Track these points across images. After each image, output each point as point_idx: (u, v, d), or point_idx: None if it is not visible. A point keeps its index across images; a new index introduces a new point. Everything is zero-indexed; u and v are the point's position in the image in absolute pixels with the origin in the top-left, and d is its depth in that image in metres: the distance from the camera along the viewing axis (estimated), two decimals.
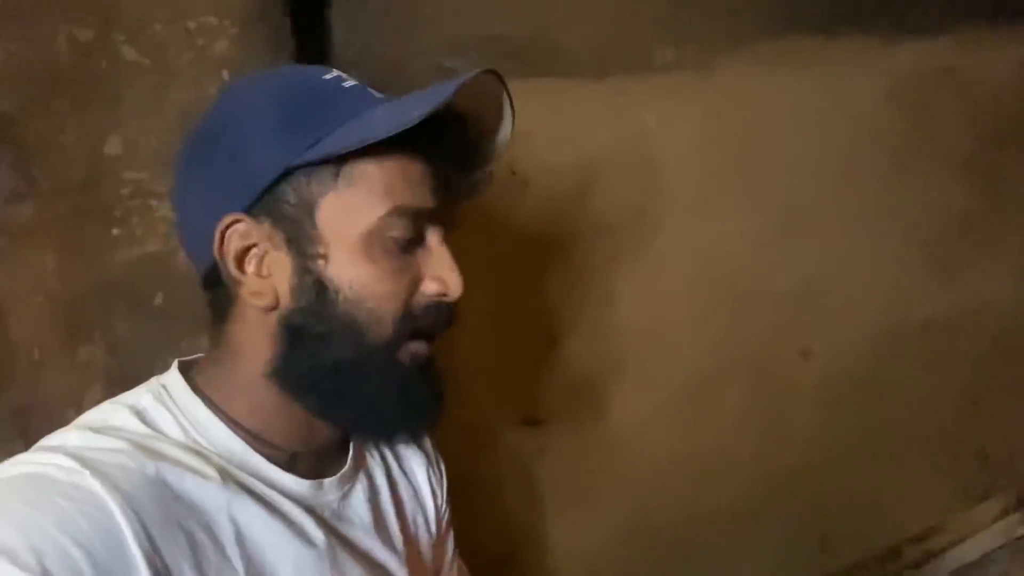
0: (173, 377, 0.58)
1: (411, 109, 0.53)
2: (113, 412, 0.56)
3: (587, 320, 1.06)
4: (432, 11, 0.90)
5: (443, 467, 0.75)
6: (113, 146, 0.77)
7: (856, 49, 1.16)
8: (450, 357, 0.94)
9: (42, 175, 0.74)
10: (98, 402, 0.59)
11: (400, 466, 0.70)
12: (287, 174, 0.55)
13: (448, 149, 0.58)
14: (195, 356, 0.62)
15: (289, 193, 0.55)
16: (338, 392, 0.56)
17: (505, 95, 0.59)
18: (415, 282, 0.57)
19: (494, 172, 0.65)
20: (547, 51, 1.00)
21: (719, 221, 1.11)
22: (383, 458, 0.68)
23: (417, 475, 0.71)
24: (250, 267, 0.56)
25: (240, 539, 0.53)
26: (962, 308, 1.27)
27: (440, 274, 0.57)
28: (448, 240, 0.59)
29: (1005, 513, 1.21)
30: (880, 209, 1.21)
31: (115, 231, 0.78)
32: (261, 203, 0.55)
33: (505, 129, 0.62)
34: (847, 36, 1.15)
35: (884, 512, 1.24)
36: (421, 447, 0.72)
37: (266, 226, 0.55)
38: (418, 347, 0.57)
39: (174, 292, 0.80)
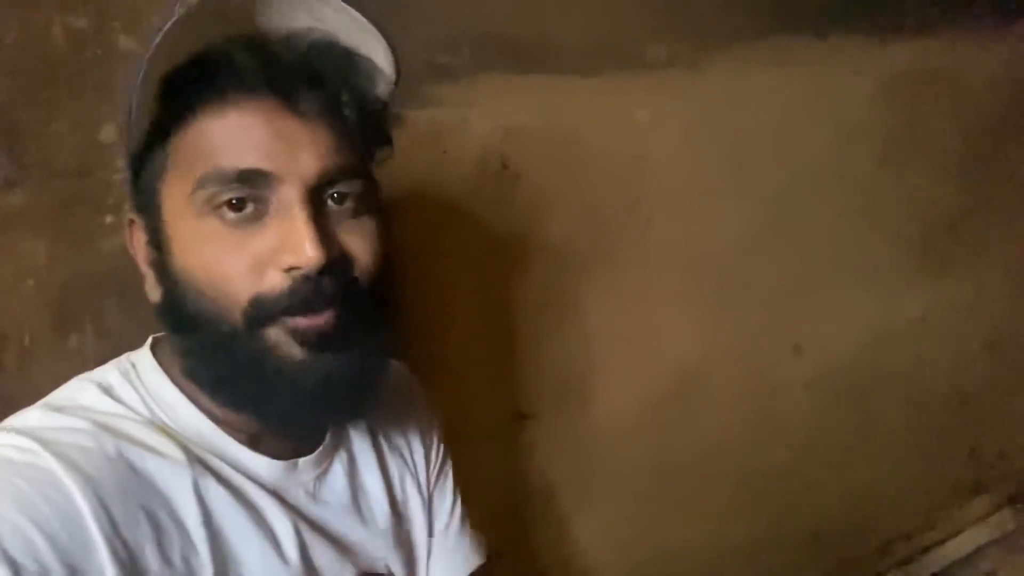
0: (143, 355, 0.57)
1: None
2: (80, 389, 0.55)
3: (578, 315, 1.06)
4: (424, 7, 0.91)
5: (436, 425, 0.72)
6: (107, 134, 0.77)
7: (845, 49, 1.17)
8: (441, 352, 0.95)
9: (35, 162, 0.74)
10: None
11: (388, 433, 0.67)
12: (142, 165, 0.53)
13: (300, 93, 0.50)
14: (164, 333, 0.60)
15: (144, 184, 0.54)
16: (223, 385, 0.53)
17: (352, 13, 0.52)
18: (263, 258, 0.49)
19: (396, 115, 0.57)
20: (539, 47, 1.01)
21: (710, 217, 1.12)
22: (370, 427, 0.65)
23: (409, 437, 0.68)
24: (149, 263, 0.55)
25: (207, 521, 0.52)
26: (951, 305, 1.28)
27: (288, 242, 0.49)
28: (323, 196, 0.50)
29: (995, 509, 1.22)
30: (870, 207, 1.22)
31: (108, 219, 0.78)
32: (138, 200, 0.55)
33: (380, 54, 0.53)
34: (836, 36, 1.16)
35: (875, 508, 1.24)
36: (412, 405, 0.70)
37: (142, 222, 0.55)
38: (292, 321, 0.50)
39: None
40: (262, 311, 0.50)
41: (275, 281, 0.50)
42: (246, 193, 0.49)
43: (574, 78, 1.02)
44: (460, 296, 0.97)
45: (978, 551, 1.17)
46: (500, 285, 1.02)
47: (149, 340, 0.59)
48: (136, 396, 0.54)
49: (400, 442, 0.68)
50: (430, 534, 0.70)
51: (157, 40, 0.47)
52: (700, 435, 1.14)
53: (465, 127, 0.92)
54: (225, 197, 0.49)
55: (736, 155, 1.12)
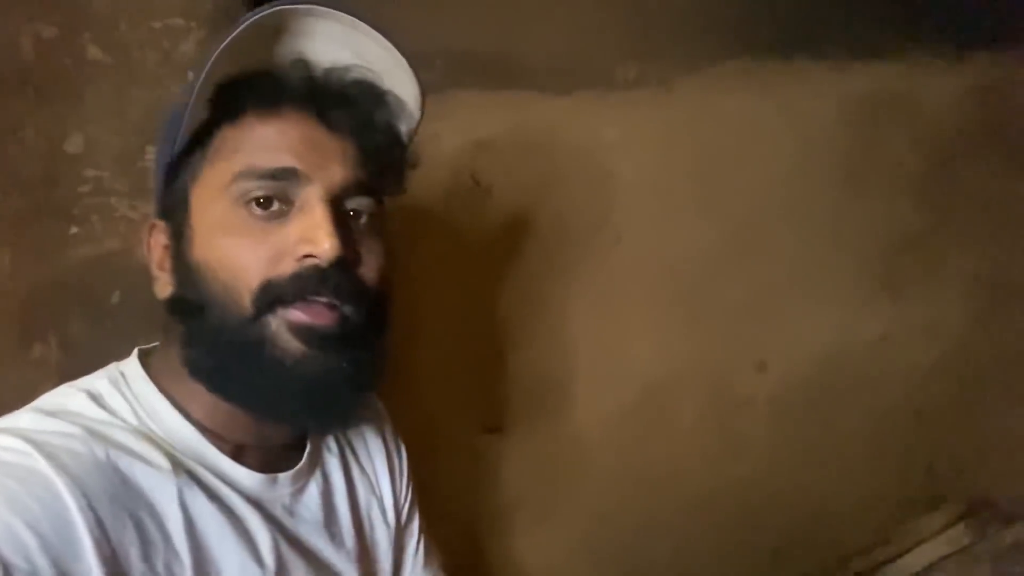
0: (131, 365, 0.59)
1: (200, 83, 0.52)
2: (69, 396, 0.56)
3: (546, 329, 1.07)
4: (397, 22, 0.92)
5: (404, 455, 0.74)
6: (74, 144, 0.77)
7: (809, 72, 1.20)
8: (410, 365, 0.95)
9: (0, 171, 0.74)
10: None
11: (358, 459, 0.69)
12: (174, 172, 0.57)
13: (335, 113, 0.55)
14: (154, 344, 0.62)
15: (176, 188, 0.57)
16: (223, 374, 0.55)
17: (395, 54, 0.57)
18: (281, 249, 0.53)
19: (415, 152, 0.62)
20: (511, 66, 1.02)
21: (676, 235, 1.14)
22: (341, 452, 0.67)
23: (376, 465, 0.70)
24: (166, 265, 0.58)
25: (190, 529, 0.53)
26: (910, 324, 1.31)
27: (307, 234, 0.53)
28: (341, 207, 0.55)
29: (951, 524, 1.24)
30: (832, 226, 1.24)
31: (73, 229, 0.78)
32: (166, 205, 0.58)
33: (409, 94, 0.59)
34: (801, 59, 1.19)
35: (834, 523, 1.26)
36: (380, 436, 0.72)
37: (166, 224, 0.58)
38: (292, 315, 0.53)
39: (132, 291, 0.80)
40: (269, 295, 0.53)
41: (287, 267, 0.53)
42: (275, 190, 0.54)
43: (545, 96, 1.03)
44: (428, 310, 0.97)
45: (934, 565, 1.19)
46: (469, 299, 1.02)
47: (135, 351, 0.60)
48: (125, 404, 0.56)
49: (368, 469, 0.70)
50: (399, 562, 0.71)
51: (222, 47, 0.51)
52: (665, 450, 1.15)
53: (436, 142, 0.93)
54: (257, 193, 0.53)
55: (702, 174, 1.15)
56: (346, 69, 0.57)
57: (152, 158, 0.79)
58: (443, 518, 0.98)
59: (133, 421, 0.55)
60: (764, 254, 1.19)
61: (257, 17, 0.52)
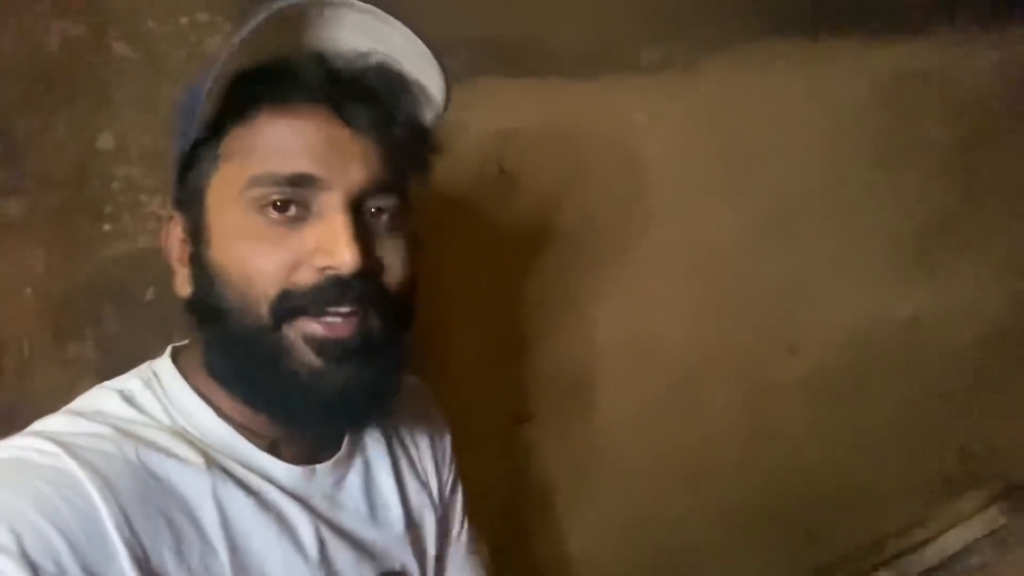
0: (164, 363, 0.58)
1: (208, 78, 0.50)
2: (102, 397, 0.56)
3: (575, 317, 1.07)
4: (419, 11, 0.91)
5: (447, 438, 0.74)
6: (104, 141, 0.77)
7: (838, 51, 1.18)
8: (440, 354, 0.95)
9: (32, 170, 0.74)
10: None
11: (401, 441, 0.69)
12: (189, 163, 0.55)
13: (355, 108, 0.52)
14: (185, 342, 0.62)
15: (191, 182, 0.56)
16: (242, 380, 0.54)
17: (415, 41, 0.54)
18: (299, 257, 0.52)
19: (440, 140, 0.59)
20: (535, 52, 1.01)
21: (706, 219, 1.12)
22: (386, 436, 0.67)
23: (420, 448, 0.70)
24: (183, 261, 0.57)
25: (225, 525, 0.53)
26: (943, 305, 1.29)
27: (326, 244, 0.51)
28: (362, 208, 0.53)
29: (986, 505, 1.24)
30: (863, 207, 1.23)
31: (106, 227, 0.78)
32: (181, 198, 0.57)
33: (434, 83, 0.56)
34: (829, 38, 1.17)
35: (869, 506, 1.25)
36: (425, 418, 0.71)
37: (183, 219, 0.57)
38: (309, 327, 0.51)
39: (166, 287, 0.78)
40: (288, 304, 0.51)
41: (306, 277, 0.51)
42: (293, 195, 0.52)
43: (570, 81, 1.02)
44: (459, 299, 0.97)
45: (969, 547, 1.19)
46: (499, 288, 1.02)
47: (168, 349, 0.60)
48: (157, 404, 0.55)
49: (414, 453, 0.70)
50: (443, 545, 0.71)
51: (235, 42, 0.49)
52: (697, 435, 1.14)
53: (462, 131, 0.92)
54: (273, 198, 0.51)
55: (731, 156, 1.13)
56: (366, 57, 0.54)
57: None
58: (473, 507, 0.98)
59: (165, 420, 0.55)
60: (795, 236, 1.18)
61: (274, 9, 0.49)
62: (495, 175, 0.99)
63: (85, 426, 0.52)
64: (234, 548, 0.52)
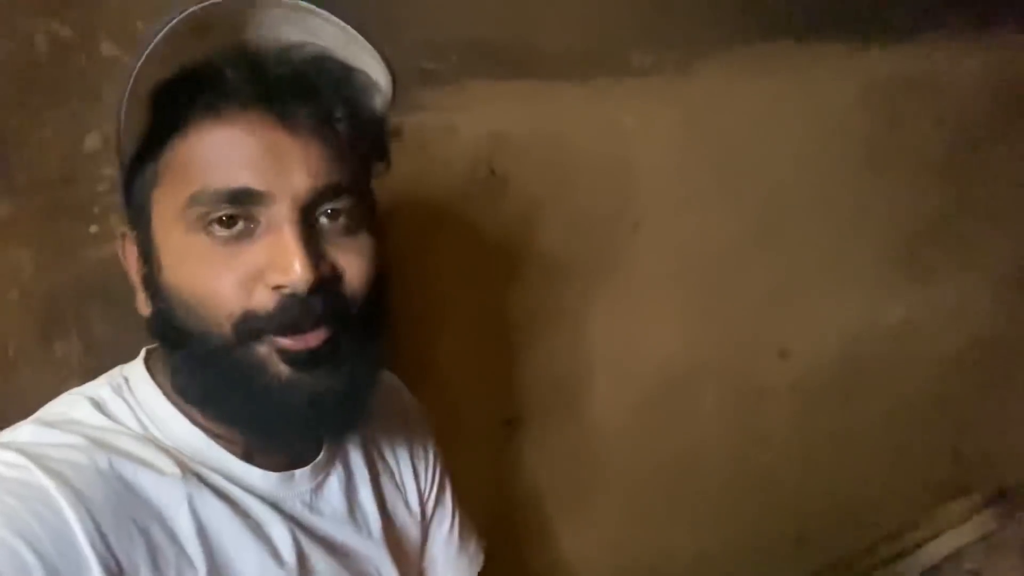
0: (136, 369, 0.57)
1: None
2: (72, 404, 0.54)
3: (565, 320, 1.07)
4: (410, 12, 0.91)
5: (430, 445, 0.73)
6: (92, 142, 0.77)
7: (829, 55, 1.18)
8: (429, 357, 0.95)
9: (19, 171, 0.74)
10: None
11: (379, 445, 0.68)
12: (132, 179, 0.53)
13: (293, 107, 0.49)
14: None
15: (135, 197, 0.53)
16: (212, 400, 0.52)
17: (346, 29, 0.50)
18: (252, 275, 0.49)
19: (393, 131, 0.56)
20: (526, 54, 1.01)
21: (696, 223, 1.12)
22: (363, 438, 0.66)
23: (399, 451, 0.69)
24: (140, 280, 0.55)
25: (202, 534, 0.51)
26: (934, 309, 1.29)
27: (278, 261, 0.48)
28: (315, 214, 0.50)
29: (977, 509, 1.24)
30: (854, 211, 1.23)
31: (93, 228, 0.78)
32: (130, 216, 0.55)
33: (376, 70, 0.53)
34: (820, 43, 1.18)
35: (859, 509, 1.25)
36: (404, 424, 0.71)
37: (133, 236, 0.55)
38: (279, 341, 0.49)
39: None
40: (251, 327, 0.49)
41: (264, 298, 0.49)
42: (237, 211, 0.49)
43: (561, 84, 1.02)
44: (448, 302, 0.97)
45: (961, 551, 1.18)
46: (488, 291, 1.02)
47: (142, 352, 0.58)
48: (128, 411, 0.54)
49: (391, 458, 0.69)
50: (423, 550, 0.71)
51: (146, 51, 0.46)
52: (686, 439, 1.14)
53: (452, 133, 0.93)
54: (215, 215, 0.49)
55: (722, 160, 1.13)
56: (300, 50, 0.50)
57: None
58: (463, 511, 0.98)
59: (137, 428, 0.53)
60: (785, 240, 1.18)
61: (185, 14, 0.45)
62: (485, 178, 0.99)
63: (54, 436, 0.50)
64: (211, 558, 0.51)
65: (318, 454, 0.60)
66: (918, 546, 1.21)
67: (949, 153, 1.27)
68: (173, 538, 0.50)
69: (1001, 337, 1.33)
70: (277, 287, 0.49)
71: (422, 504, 0.70)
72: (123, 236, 0.56)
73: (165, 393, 0.55)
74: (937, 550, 1.19)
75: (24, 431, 0.51)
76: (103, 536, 0.47)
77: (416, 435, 0.72)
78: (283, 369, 0.50)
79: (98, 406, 0.54)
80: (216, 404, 0.52)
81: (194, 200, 0.48)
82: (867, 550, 1.24)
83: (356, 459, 0.65)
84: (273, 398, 0.50)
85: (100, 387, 0.56)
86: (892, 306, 1.27)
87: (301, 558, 0.56)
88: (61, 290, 0.77)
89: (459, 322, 0.99)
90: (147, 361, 0.57)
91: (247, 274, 0.49)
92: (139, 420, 0.54)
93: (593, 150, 1.05)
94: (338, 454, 0.63)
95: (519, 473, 1.06)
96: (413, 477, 0.70)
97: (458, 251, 0.98)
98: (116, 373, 0.57)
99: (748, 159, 1.14)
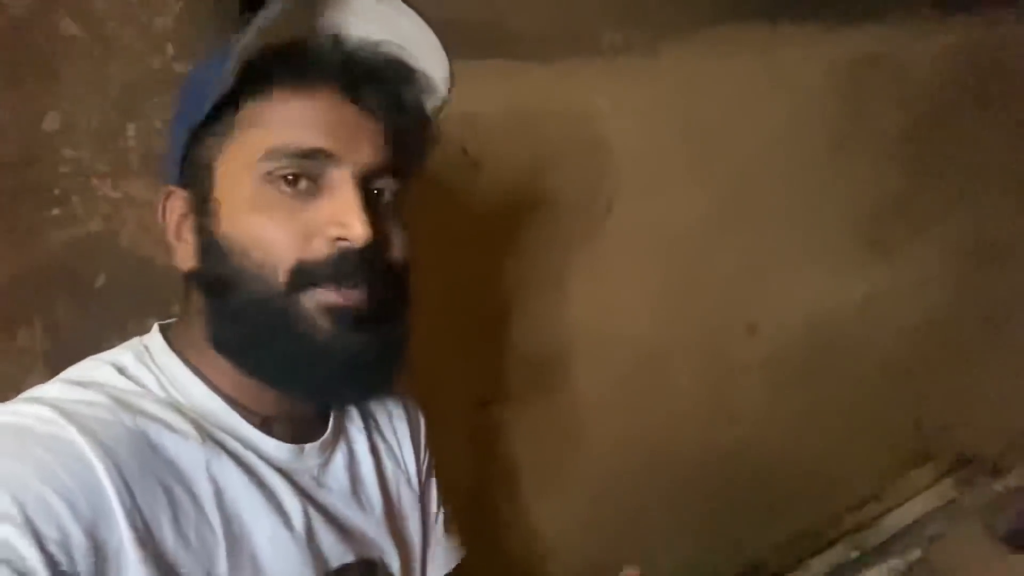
0: (154, 338, 0.59)
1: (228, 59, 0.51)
2: (95, 368, 0.56)
3: (539, 301, 1.07)
4: None
5: (422, 424, 0.75)
6: (51, 122, 0.74)
7: (796, 36, 1.20)
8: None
9: None
10: None
11: (380, 429, 0.69)
12: (196, 138, 0.55)
13: (366, 91, 0.54)
14: (172, 320, 0.62)
15: (198, 156, 0.56)
16: (247, 347, 0.55)
17: (436, 42, 0.57)
18: (311, 229, 0.53)
19: (438, 126, 0.62)
20: (497, 34, 1.00)
21: (668, 202, 1.13)
22: (365, 422, 0.67)
23: (399, 437, 0.71)
24: (184, 235, 0.57)
25: (219, 498, 0.53)
26: (896, 286, 1.32)
27: (339, 216, 0.53)
28: (381, 190, 0.56)
29: (939, 478, 1.28)
30: (820, 190, 1.25)
31: (54, 211, 0.76)
32: (185, 173, 0.57)
33: (439, 73, 0.59)
34: (787, 23, 1.19)
35: (826, 481, 1.29)
36: (402, 406, 0.72)
37: (187, 194, 0.57)
38: (325, 296, 0.53)
39: (117, 273, 0.78)
40: (305, 275, 0.53)
41: (321, 249, 0.53)
42: (304, 169, 0.53)
43: (532, 64, 1.02)
44: (421, 283, 0.96)
45: (923, 518, 1.23)
46: (461, 272, 1.01)
47: (155, 326, 0.60)
48: (151, 376, 0.56)
49: (392, 439, 0.70)
50: (424, 531, 0.72)
51: (258, 25, 0.50)
52: (661, 416, 1.16)
53: None
54: (287, 171, 0.53)
55: (691, 140, 1.14)
56: (376, 45, 0.56)
57: (134, 136, 0.78)
58: (442, 491, 0.98)
59: (159, 392, 0.55)
60: (753, 218, 1.20)
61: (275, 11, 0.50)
62: (457, 158, 0.98)
63: (83, 394, 0.52)
64: (227, 520, 0.53)
65: (324, 432, 0.62)
66: (882, 514, 1.25)
67: (912, 132, 1.30)
68: (194, 499, 0.52)
69: (960, 311, 1.37)
70: (337, 239, 0.53)
71: (419, 481, 0.72)
72: (167, 194, 0.58)
73: (185, 361, 0.57)
74: (902, 518, 1.23)
75: (52, 388, 0.53)
76: (130, 491, 0.48)
77: (413, 419, 0.73)
78: (327, 326, 0.53)
79: (121, 370, 0.55)
80: (256, 354, 0.55)
81: (271, 154, 0.53)
82: (834, 519, 1.28)
83: (358, 440, 0.66)
84: (314, 351, 0.53)
85: (122, 353, 0.57)
86: (856, 282, 1.30)
87: (309, 529, 0.58)
88: (23, 276, 0.75)
89: (433, 304, 0.98)
90: (163, 333, 0.59)
91: (307, 227, 0.53)
92: (161, 384, 0.55)
93: (565, 131, 1.05)
94: (342, 433, 0.64)
95: (495, 453, 1.07)
96: (413, 457, 0.71)
97: (429, 232, 0.96)
98: (135, 342, 0.59)
99: (717, 139, 1.15)
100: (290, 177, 0.53)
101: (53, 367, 0.75)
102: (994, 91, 1.34)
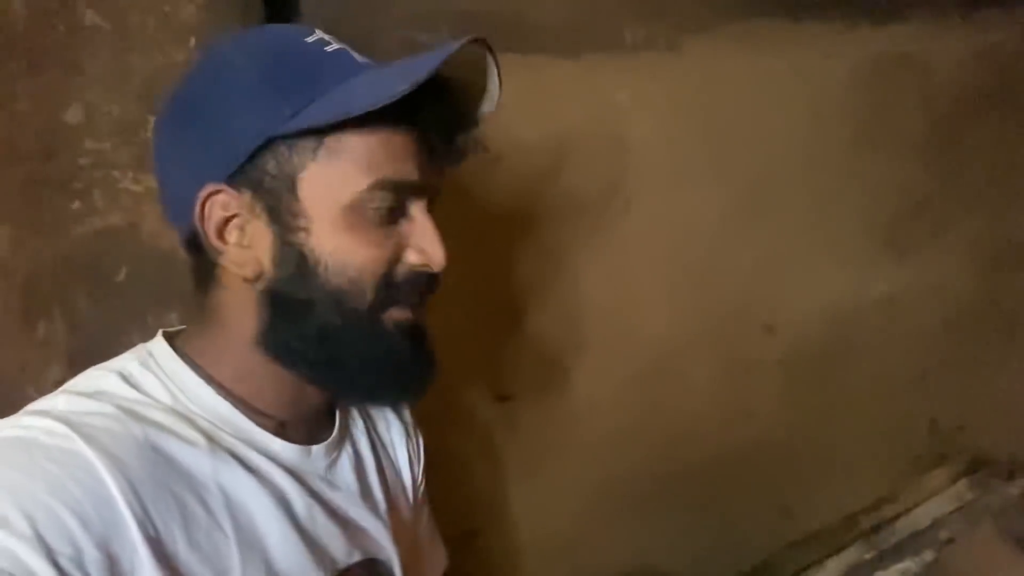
0: (159, 344, 0.58)
1: (394, 83, 0.51)
2: (101, 378, 0.55)
3: (557, 296, 1.07)
4: None
5: (421, 439, 0.75)
6: (73, 114, 0.74)
7: (819, 33, 1.18)
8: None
9: None
10: (58, 381, 0.59)
11: (381, 437, 0.71)
12: (268, 144, 0.54)
13: (433, 119, 0.57)
14: (179, 328, 0.62)
15: (270, 164, 0.54)
16: (327, 358, 0.57)
17: (491, 60, 0.59)
18: (397, 251, 0.57)
19: (481, 140, 0.64)
20: (518, 27, 0.99)
21: (686, 198, 1.12)
22: (367, 428, 0.68)
23: (396, 446, 0.72)
24: (231, 237, 0.56)
25: (229, 505, 0.53)
26: (915, 286, 1.31)
27: (423, 246, 0.57)
28: (433, 210, 0.59)
29: (954, 480, 1.27)
30: (841, 189, 1.24)
31: (75, 203, 0.75)
32: (242, 173, 0.55)
33: (492, 94, 0.61)
34: (811, 21, 1.17)
35: (841, 481, 1.28)
36: (400, 418, 0.73)
37: (247, 197, 0.55)
38: (400, 313, 0.57)
39: (138, 267, 0.78)
40: (389, 295, 0.56)
41: (402, 272, 0.57)
42: (398, 201, 0.56)
43: (553, 58, 1.01)
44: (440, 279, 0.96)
45: (939, 521, 1.22)
46: (479, 267, 1.01)
47: (160, 332, 0.60)
48: (157, 383, 0.56)
49: (389, 445, 0.72)
50: (416, 537, 0.73)
51: (440, 56, 0.52)
52: (676, 414, 1.16)
53: None
54: (386, 205, 0.56)
55: (712, 137, 1.13)
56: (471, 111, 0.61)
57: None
58: (455, 485, 0.98)
59: (166, 400, 0.55)
60: (772, 217, 1.19)
61: (465, 40, 0.54)
62: (477, 154, 0.97)
63: (91, 405, 0.52)
64: (239, 525, 0.53)
65: (330, 433, 0.62)
66: (897, 516, 1.24)
67: (934, 132, 1.29)
68: (205, 506, 0.52)
69: (979, 313, 1.36)
70: (418, 264, 0.57)
71: (415, 491, 0.73)
72: (211, 195, 0.55)
73: (192, 366, 0.57)
74: (917, 520, 1.23)
75: (58, 400, 0.53)
76: (141, 502, 0.48)
77: (411, 429, 0.74)
78: (405, 342, 0.58)
79: (126, 379, 0.55)
80: (335, 364, 0.57)
81: (376, 186, 0.55)
82: (849, 520, 1.27)
83: (363, 444, 0.67)
84: (391, 365, 0.58)
85: (127, 361, 0.57)
86: (875, 282, 1.29)
87: (319, 529, 0.58)
88: (43, 268, 0.75)
89: (450, 299, 0.98)
90: (168, 339, 0.59)
91: (393, 251, 0.57)
92: (169, 391, 0.55)
93: (585, 126, 1.04)
94: (347, 436, 0.65)
95: (512, 448, 1.07)
96: (408, 464, 0.72)
97: (448, 228, 0.96)
98: (140, 349, 0.59)
99: (739, 136, 1.14)
100: (387, 209, 0.56)
101: (73, 359, 0.76)
102: (1018, 92, 1.32)
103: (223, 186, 0.55)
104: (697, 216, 1.14)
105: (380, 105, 0.51)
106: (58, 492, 0.45)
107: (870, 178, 1.25)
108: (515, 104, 0.98)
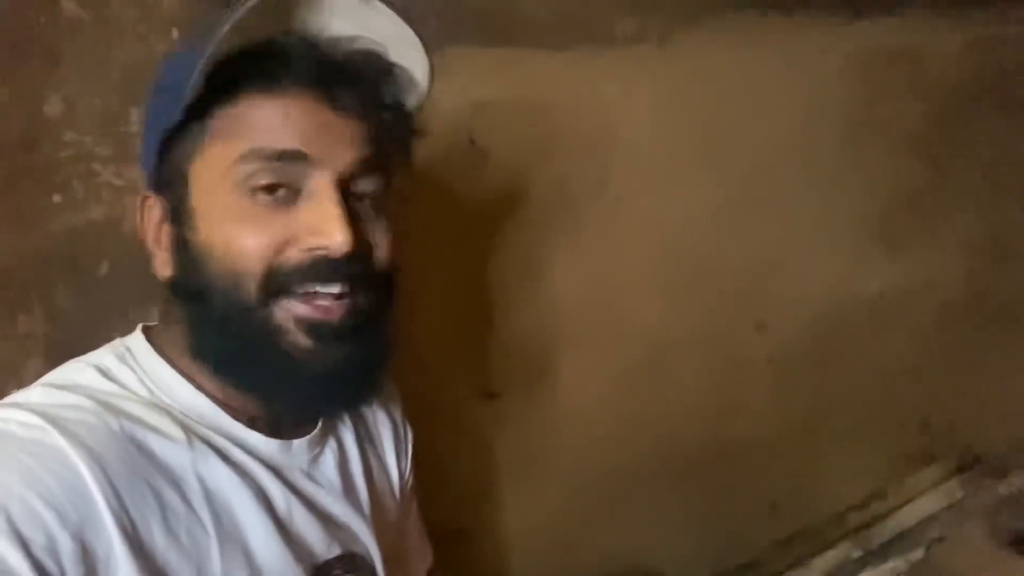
0: (137, 339, 0.58)
1: (218, 35, 0.49)
2: (77, 371, 0.55)
3: (545, 292, 1.06)
4: None
5: (409, 434, 0.75)
6: (52, 107, 0.73)
7: (811, 27, 1.18)
8: (408, 330, 0.94)
9: None
10: (38, 375, 0.58)
11: (368, 432, 0.70)
12: (170, 143, 0.54)
13: (309, 77, 0.52)
14: (155, 324, 0.61)
15: (171, 162, 0.55)
16: (227, 359, 0.54)
17: (402, 26, 0.56)
18: (288, 237, 0.52)
19: (421, 123, 0.60)
20: (507, 20, 0.98)
21: (677, 194, 1.12)
22: (354, 424, 0.68)
23: (384, 441, 0.71)
24: (162, 242, 0.56)
25: (208, 497, 0.53)
26: (908, 282, 1.31)
27: (318, 225, 0.51)
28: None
29: (944, 478, 1.27)
30: (833, 184, 1.23)
31: (56, 197, 0.75)
32: (160, 178, 0.56)
33: (419, 68, 0.58)
34: (803, 14, 1.17)
35: (831, 478, 1.28)
36: (389, 413, 0.73)
37: (162, 199, 0.56)
38: (295, 306, 0.52)
39: (121, 261, 0.77)
40: (275, 282, 0.52)
41: (294, 258, 0.52)
42: (282, 175, 0.51)
43: (543, 52, 1.00)
44: (428, 274, 0.95)
45: (929, 519, 1.22)
46: (468, 263, 1.00)
47: (139, 327, 0.60)
48: (134, 377, 0.55)
49: (378, 441, 0.71)
50: (402, 533, 0.73)
51: (229, 25, 0.48)
52: (665, 411, 1.15)
53: (432, 101, 0.89)
54: (263, 180, 0.51)
55: (703, 131, 1.12)
56: (351, 41, 0.55)
57: (137, 121, 0.76)
58: (443, 483, 0.98)
59: (144, 393, 0.54)
60: (764, 212, 1.18)
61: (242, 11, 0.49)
62: (465, 147, 0.97)
63: (67, 398, 0.51)
64: (218, 518, 0.53)
65: (313, 428, 0.61)
66: (887, 513, 1.24)
67: (927, 127, 1.28)
68: (183, 499, 0.52)
69: (971, 309, 1.36)
70: (313, 248, 0.51)
71: (401, 491, 0.72)
72: (143, 200, 0.57)
73: (168, 361, 0.56)
74: (907, 517, 1.23)
75: (34, 393, 0.53)
76: (118, 495, 0.48)
77: (399, 424, 0.74)
78: (304, 340, 0.52)
79: (103, 373, 0.55)
80: (233, 366, 0.54)
81: (244, 158, 0.51)
82: (837, 518, 1.27)
83: (348, 438, 0.66)
84: (292, 365, 0.53)
85: (104, 355, 0.57)
86: (868, 278, 1.28)
87: (298, 523, 0.58)
88: (23, 262, 0.74)
89: (438, 295, 0.98)
90: (146, 335, 0.58)
91: (282, 236, 0.52)
92: (145, 386, 0.55)
93: (575, 120, 1.04)
94: (331, 432, 0.64)
95: (499, 445, 1.06)
96: (395, 462, 0.72)
97: (437, 222, 0.96)
98: (117, 344, 0.59)
99: (730, 131, 1.14)
100: (267, 186, 0.51)
101: (54, 353, 0.75)
102: (1012, 87, 1.32)
103: (150, 193, 0.56)
104: (687, 211, 1.13)
105: (195, 87, 0.49)
106: (33, 484, 0.45)
107: (863, 174, 1.25)
108: (505, 97, 0.98)
